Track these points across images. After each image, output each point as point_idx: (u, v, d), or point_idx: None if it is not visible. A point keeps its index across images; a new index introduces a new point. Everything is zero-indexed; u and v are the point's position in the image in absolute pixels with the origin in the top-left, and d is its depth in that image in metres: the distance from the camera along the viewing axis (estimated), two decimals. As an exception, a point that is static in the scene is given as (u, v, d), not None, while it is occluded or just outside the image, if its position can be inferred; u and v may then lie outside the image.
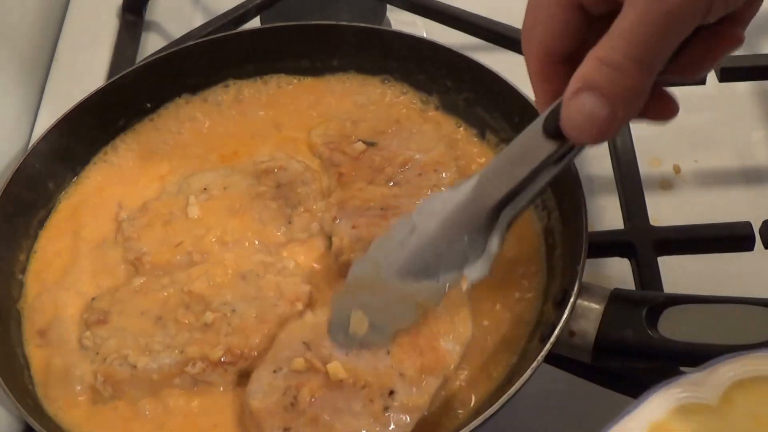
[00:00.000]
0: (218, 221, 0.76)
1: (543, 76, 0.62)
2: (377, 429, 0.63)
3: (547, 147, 0.60)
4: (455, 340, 0.67)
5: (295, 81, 0.87)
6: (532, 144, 0.61)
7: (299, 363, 0.66)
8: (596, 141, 0.57)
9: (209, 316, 0.70)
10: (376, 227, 0.73)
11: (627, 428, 0.57)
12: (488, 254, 0.65)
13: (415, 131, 0.80)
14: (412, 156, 0.78)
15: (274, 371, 0.66)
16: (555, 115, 0.59)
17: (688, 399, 0.58)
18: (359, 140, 0.80)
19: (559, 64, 0.61)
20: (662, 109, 0.62)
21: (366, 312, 0.67)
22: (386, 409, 0.64)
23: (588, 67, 0.55)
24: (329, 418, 0.64)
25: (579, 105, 0.55)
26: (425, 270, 0.66)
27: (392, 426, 0.64)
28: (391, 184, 0.77)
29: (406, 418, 0.64)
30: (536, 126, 0.61)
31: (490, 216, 0.64)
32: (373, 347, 0.66)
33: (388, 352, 0.66)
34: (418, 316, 0.67)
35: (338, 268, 0.73)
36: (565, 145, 0.60)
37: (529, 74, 0.62)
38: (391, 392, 0.64)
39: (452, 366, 0.66)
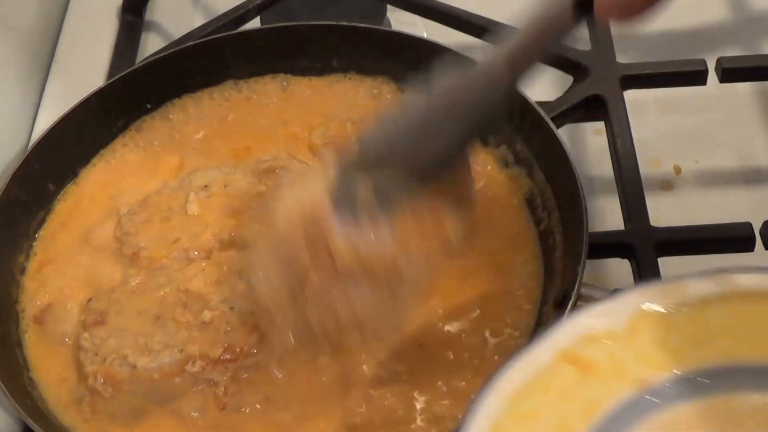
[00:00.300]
0: (216, 219, 0.76)
1: None
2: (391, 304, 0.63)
3: (571, 21, 0.59)
4: (459, 221, 0.65)
5: (296, 80, 0.87)
6: (559, 17, 0.59)
7: (305, 257, 0.63)
8: (627, 17, 0.56)
9: (207, 315, 0.70)
10: None
11: (537, 354, 0.58)
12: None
13: None
14: None
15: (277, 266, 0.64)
16: None
17: (597, 326, 0.59)
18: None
19: None
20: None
21: (375, 183, 0.64)
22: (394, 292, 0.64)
23: None
24: (341, 305, 0.63)
25: None
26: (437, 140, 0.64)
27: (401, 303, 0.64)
28: None
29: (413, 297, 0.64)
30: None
31: (512, 89, 0.63)
32: (379, 223, 0.63)
33: (393, 238, 0.63)
34: (419, 195, 0.64)
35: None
36: (590, 18, 0.58)
37: None
38: (399, 277, 0.63)
39: (456, 245, 0.65)
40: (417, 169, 0.64)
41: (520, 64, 0.62)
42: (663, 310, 0.60)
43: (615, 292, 0.63)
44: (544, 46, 0.62)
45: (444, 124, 0.63)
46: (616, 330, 0.59)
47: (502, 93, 0.63)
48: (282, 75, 0.87)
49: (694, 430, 0.58)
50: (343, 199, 0.64)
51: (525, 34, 0.61)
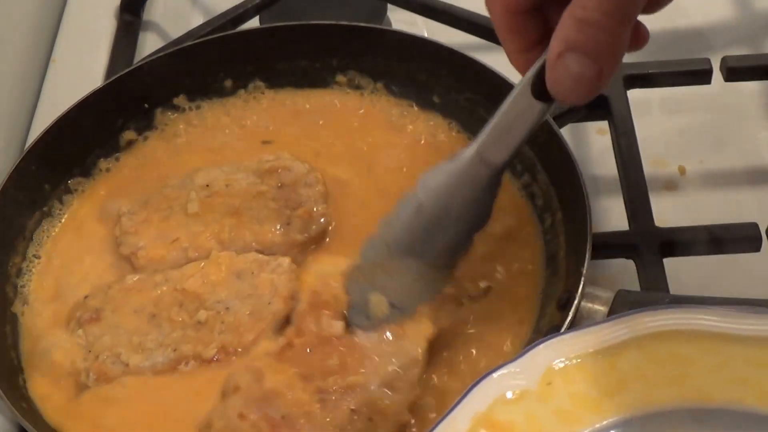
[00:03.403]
0: (216, 218, 0.76)
1: (511, 28, 0.61)
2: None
3: (538, 108, 0.61)
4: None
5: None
6: (523, 106, 0.61)
7: None
8: (585, 100, 0.57)
9: (203, 314, 0.70)
10: None
11: (453, 423, 0.58)
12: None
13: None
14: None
15: None
16: (540, 76, 0.58)
17: (510, 387, 0.59)
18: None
19: (527, 15, 0.60)
20: (636, 38, 0.62)
21: (384, 292, 0.67)
22: None
23: (568, 28, 0.55)
24: None
25: (564, 67, 0.55)
26: (433, 246, 0.67)
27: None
28: None
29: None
30: (524, 89, 0.60)
31: (493, 181, 0.65)
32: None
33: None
34: (440, 287, 0.68)
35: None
36: (554, 103, 0.60)
37: (496, 29, 0.62)
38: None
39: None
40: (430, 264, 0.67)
41: (495, 156, 0.64)
42: (576, 362, 0.60)
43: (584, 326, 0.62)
44: (518, 136, 0.63)
45: (441, 227, 0.66)
46: (531, 388, 0.59)
47: (486, 185, 0.65)
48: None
49: None
50: (358, 309, 0.68)
51: (493, 128, 0.64)
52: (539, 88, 0.59)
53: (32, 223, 0.79)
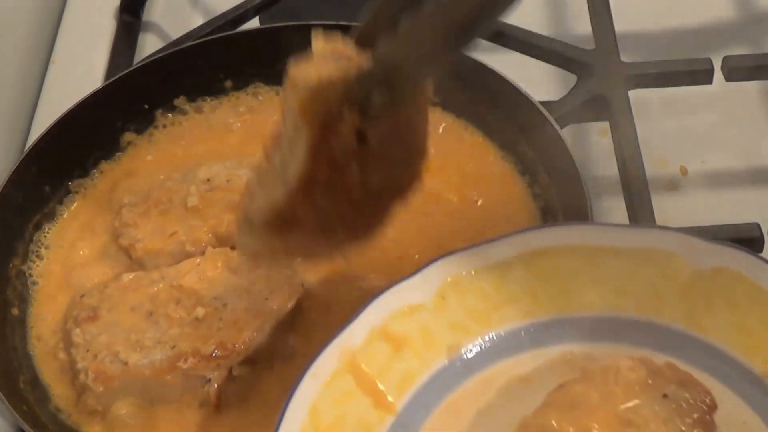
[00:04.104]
0: (215, 213, 0.76)
1: None
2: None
3: None
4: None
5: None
6: None
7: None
8: None
9: (200, 311, 0.70)
10: None
11: (351, 336, 0.61)
12: None
13: None
14: None
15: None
16: None
17: (406, 301, 0.62)
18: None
19: None
20: None
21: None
22: None
23: None
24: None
25: None
26: None
27: None
28: None
29: None
30: None
31: None
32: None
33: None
34: None
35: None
36: None
37: None
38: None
39: None
40: None
41: None
42: (469, 277, 0.64)
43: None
44: None
45: None
46: (427, 302, 0.63)
47: None
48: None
49: (502, 389, 0.62)
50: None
51: None
52: None
53: (32, 224, 0.79)
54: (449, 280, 0.64)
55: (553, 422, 0.56)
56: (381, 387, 0.61)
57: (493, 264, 0.64)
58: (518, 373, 0.63)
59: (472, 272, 0.64)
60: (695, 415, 0.56)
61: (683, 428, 0.55)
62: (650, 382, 0.57)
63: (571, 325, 0.64)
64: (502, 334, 0.64)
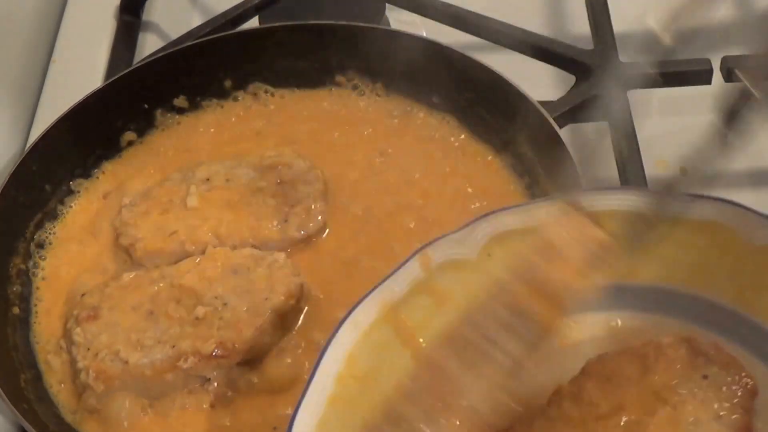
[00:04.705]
0: (214, 213, 0.76)
1: None
2: None
3: None
4: None
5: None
6: None
7: None
8: None
9: (201, 311, 0.70)
10: None
11: (392, 287, 0.59)
12: None
13: None
14: None
15: None
16: None
17: (450, 256, 0.61)
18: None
19: None
20: None
21: None
22: None
23: None
24: None
25: None
26: None
27: None
28: None
29: None
30: None
31: None
32: None
33: None
34: None
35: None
36: None
37: None
38: None
39: None
40: None
41: None
42: (515, 236, 0.61)
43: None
44: None
45: None
46: (472, 258, 0.61)
47: None
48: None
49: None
50: None
51: None
52: None
53: (33, 223, 0.79)
54: (495, 237, 0.61)
55: (586, 392, 0.55)
56: (420, 340, 0.60)
57: (538, 224, 0.61)
58: (559, 337, 0.61)
59: (519, 230, 0.62)
60: (735, 400, 0.55)
61: (721, 413, 0.54)
62: (691, 361, 0.56)
63: (618, 292, 0.62)
64: None
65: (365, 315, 0.59)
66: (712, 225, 0.61)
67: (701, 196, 0.61)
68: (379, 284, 0.59)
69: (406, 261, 0.60)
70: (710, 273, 0.61)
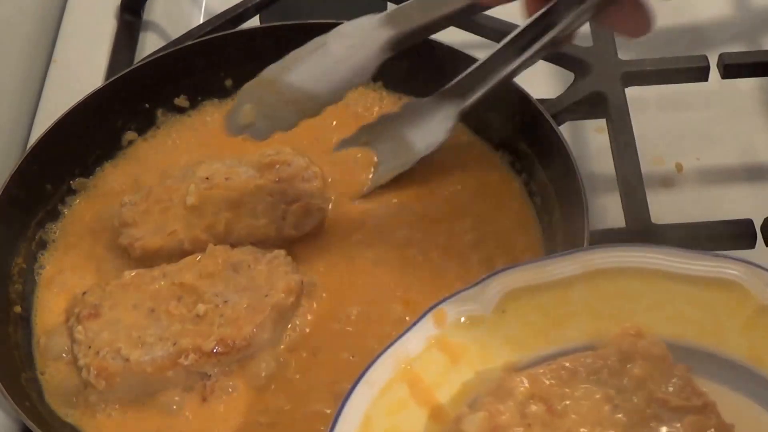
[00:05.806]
0: (214, 211, 0.76)
1: None
2: None
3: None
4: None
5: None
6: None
7: None
8: None
9: (201, 308, 0.71)
10: None
11: (407, 344, 0.59)
12: None
13: None
14: None
15: None
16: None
17: (465, 313, 0.61)
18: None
19: None
20: (637, 22, 0.63)
21: (257, 107, 0.72)
22: None
23: None
24: None
25: None
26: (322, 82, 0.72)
27: None
28: None
29: None
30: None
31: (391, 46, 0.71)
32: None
33: None
34: (295, 123, 0.73)
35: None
36: None
37: None
38: None
39: None
40: None
41: (402, 23, 0.71)
42: (530, 293, 0.62)
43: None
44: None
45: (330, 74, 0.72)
46: (486, 315, 0.61)
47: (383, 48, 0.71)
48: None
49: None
50: (235, 113, 0.74)
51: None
52: None
53: (35, 223, 0.79)
54: (509, 293, 0.62)
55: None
56: (438, 398, 0.60)
57: (554, 281, 0.62)
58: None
59: (533, 288, 0.62)
60: None
61: None
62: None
63: None
64: (559, 352, 0.61)
65: (379, 374, 0.58)
66: (725, 282, 0.61)
67: (716, 255, 0.61)
68: (393, 342, 0.59)
69: (420, 318, 0.60)
70: (721, 329, 0.61)
